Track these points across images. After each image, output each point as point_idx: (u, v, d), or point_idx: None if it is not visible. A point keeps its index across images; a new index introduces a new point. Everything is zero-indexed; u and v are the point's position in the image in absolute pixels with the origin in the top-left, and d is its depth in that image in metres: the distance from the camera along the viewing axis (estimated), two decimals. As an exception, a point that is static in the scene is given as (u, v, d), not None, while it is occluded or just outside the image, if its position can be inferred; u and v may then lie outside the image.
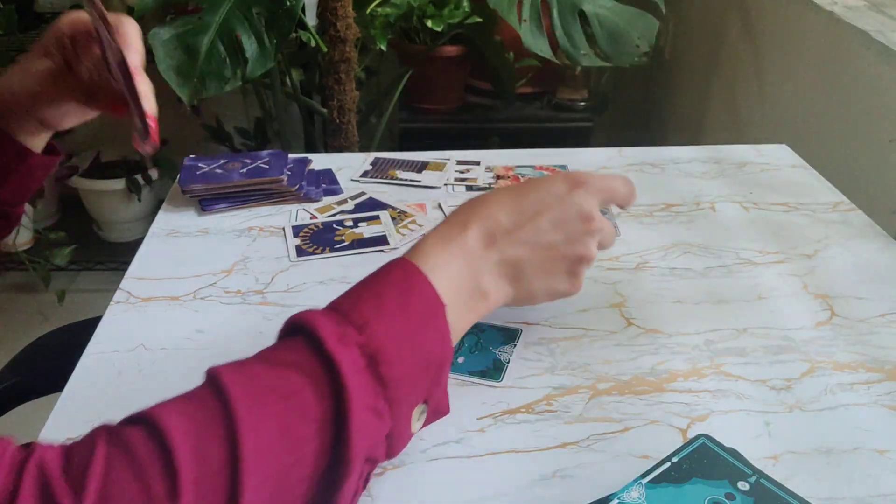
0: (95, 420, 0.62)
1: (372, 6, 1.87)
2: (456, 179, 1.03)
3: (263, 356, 0.48)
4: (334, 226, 0.91)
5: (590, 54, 1.51)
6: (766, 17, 1.77)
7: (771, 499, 0.55)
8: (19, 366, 0.99)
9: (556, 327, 0.75)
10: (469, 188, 1.01)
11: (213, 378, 0.45)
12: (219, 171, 0.98)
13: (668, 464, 0.58)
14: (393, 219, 0.93)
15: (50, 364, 0.97)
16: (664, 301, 0.79)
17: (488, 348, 0.71)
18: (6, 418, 0.93)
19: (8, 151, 0.75)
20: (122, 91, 0.69)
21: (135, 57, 0.68)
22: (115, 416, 0.62)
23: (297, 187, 0.97)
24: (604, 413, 0.64)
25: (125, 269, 0.83)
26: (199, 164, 1.00)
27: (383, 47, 1.90)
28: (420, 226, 0.91)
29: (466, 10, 1.97)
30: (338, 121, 1.72)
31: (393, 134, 2.32)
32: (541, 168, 1.06)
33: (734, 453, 0.59)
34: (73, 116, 0.78)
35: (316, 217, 0.94)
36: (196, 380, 0.67)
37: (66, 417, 0.63)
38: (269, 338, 0.72)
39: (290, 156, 1.04)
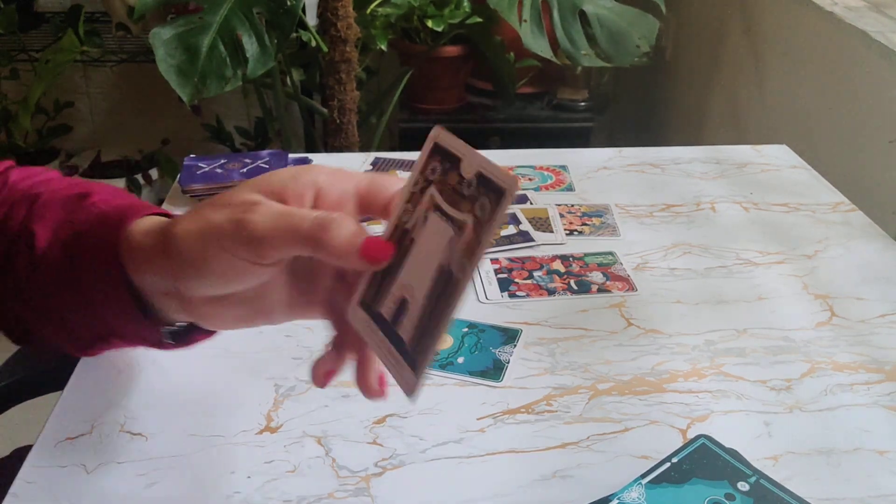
0: (95, 420, 0.62)
1: (372, 6, 1.87)
2: (456, 179, 1.03)
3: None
4: (334, 226, 0.91)
5: (590, 54, 1.51)
6: (767, 18, 1.77)
7: (771, 499, 0.55)
8: (19, 364, 0.99)
9: (556, 327, 0.75)
10: (469, 188, 1.01)
11: None
12: (219, 170, 0.98)
13: (668, 464, 0.58)
14: (393, 219, 0.93)
15: (50, 362, 0.97)
16: (664, 301, 0.79)
17: (488, 348, 0.71)
18: (6, 417, 0.93)
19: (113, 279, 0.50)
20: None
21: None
22: (115, 415, 0.63)
23: (297, 187, 0.97)
24: (604, 413, 0.64)
25: (125, 269, 0.82)
26: (200, 164, 1.00)
27: (384, 47, 1.89)
28: (420, 226, 0.91)
29: (467, 10, 1.97)
30: (338, 121, 1.73)
31: (393, 134, 2.32)
32: (541, 168, 1.06)
33: (734, 454, 0.59)
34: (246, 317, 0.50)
35: (316, 217, 0.93)
36: (196, 379, 0.67)
37: (66, 417, 0.63)
38: (270, 337, 0.73)
39: (291, 156, 1.04)
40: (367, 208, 0.46)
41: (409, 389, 0.40)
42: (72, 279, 0.52)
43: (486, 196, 0.39)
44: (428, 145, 0.42)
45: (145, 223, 0.51)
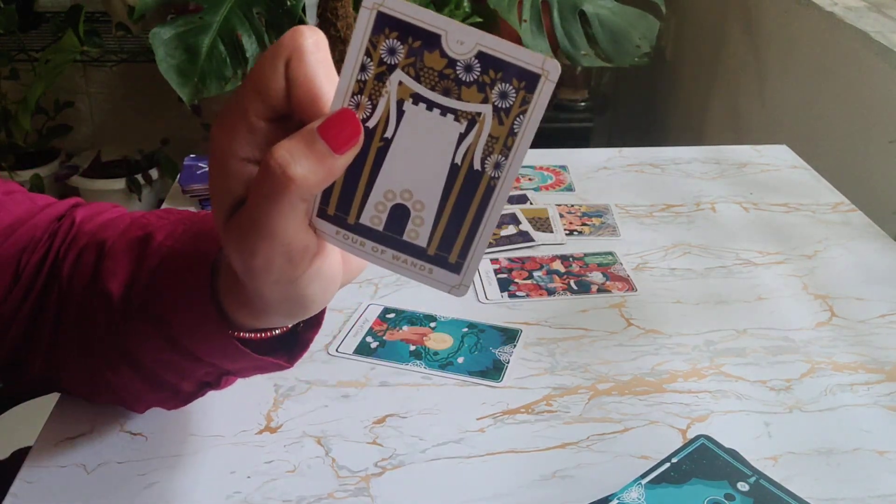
0: (95, 420, 0.62)
1: (372, 6, 1.87)
2: (456, 179, 1.03)
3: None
4: (334, 226, 0.91)
5: (590, 54, 1.51)
6: (767, 18, 1.77)
7: (770, 499, 0.55)
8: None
9: (556, 327, 0.75)
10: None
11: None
12: (219, 170, 0.98)
13: (668, 464, 0.58)
14: (393, 219, 0.93)
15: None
16: (664, 301, 0.79)
17: (488, 348, 0.71)
18: (6, 417, 0.93)
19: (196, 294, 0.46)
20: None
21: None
22: (115, 415, 0.63)
23: (297, 187, 0.97)
24: (604, 413, 0.64)
25: (125, 269, 0.82)
26: (200, 164, 1.00)
27: (384, 47, 1.89)
28: (420, 226, 0.91)
29: (467, 10, 1.97)
30: (338, 121, 1.72)
31: (393, 134, 2.31)
32: (541, 168, 1.06)
33: (734, 454, 0.59)
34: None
35: (316, 217, 0.94)
36: (196, 379, 0.67)
37: (65, 417, 0.62)
38: (269, 338, 0.73)
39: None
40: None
41: (453, 287, 0.37)
42: (166, 337, 0.48)
43: (506, 82, 0.33)
44: (367, 17, 0.34)
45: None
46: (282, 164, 0.33)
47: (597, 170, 1.07)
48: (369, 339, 0.72)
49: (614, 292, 0.80)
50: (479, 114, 0.34)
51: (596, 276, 0.83)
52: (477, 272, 0.81)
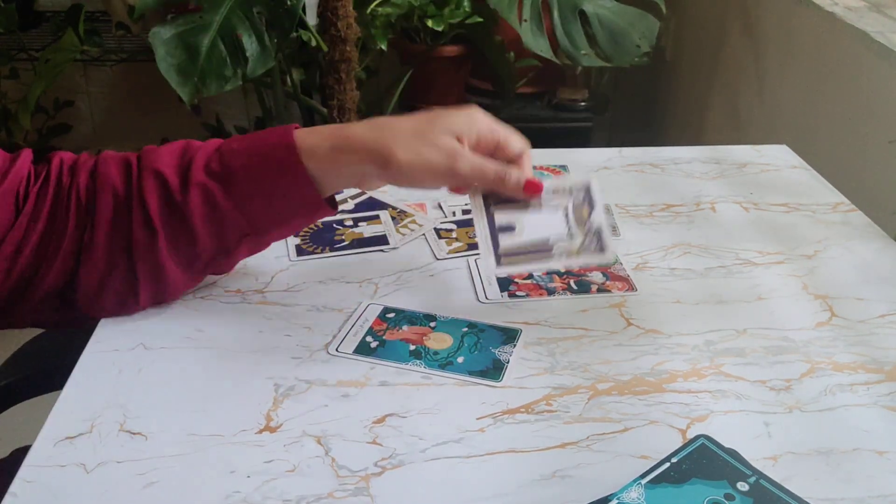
0: (95, 419, 0.62)
1: (373, 6, 1.87)
2: (456, 179, 1.03)
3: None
4: (334, 225, 0.91)
5: (590, 54, 1.51)
6: (767, 18, 1.77)
7: (770, 499, 0.55)
8: (18, 363, 0.99)
9: (556, 327, 0.75)
10: (469, 188, 1.01)
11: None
12: (219, 170, 0.98)
13: (668, 464, 0.58)
14: (393, 218, 0.93)
15: (49, 362, 0.97)
16: (664, 301, 0.79)
17: (488, 348, 0.71)
18: (6, 417, 0.93)
19: (292, 170, 0.68)
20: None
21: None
22: (115, 415, 0.63)
23: (297, 187, 0.97)
24: (603, 413, 0.64)
25: (125, 269, 0.82)
26: (200, 164, 1.00)
27: (384, 47, 1.90)
28: (420, 225, 0.91)
29: (467, 9, 1.97)
30: (338, 120, 1.73)
31: (393, 133, 2.31)
32: (541, 168, 1.06)
33: (733, 454, 0.59)
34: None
35: (316, 216, 0.93)
36: (195, 379, 0.67)
37: (65, 416, 0.63)
38: (270, 337, 0.73)
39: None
40: (499, 155, 0.71)
41: (488, 271, 0.67)
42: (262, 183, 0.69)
43: (594, 241, 0.72)
44: (584, 187, 0.76)
45: (312, 138, 0.69)
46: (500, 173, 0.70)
47: (597, 170, 1.07)
48: (369, 338, 0.72)
49: (614, 292, 0.80)
50: (578, 233, 0.73)
51: (596, 276, 0.83)
52: (479, 271, 0.81)
